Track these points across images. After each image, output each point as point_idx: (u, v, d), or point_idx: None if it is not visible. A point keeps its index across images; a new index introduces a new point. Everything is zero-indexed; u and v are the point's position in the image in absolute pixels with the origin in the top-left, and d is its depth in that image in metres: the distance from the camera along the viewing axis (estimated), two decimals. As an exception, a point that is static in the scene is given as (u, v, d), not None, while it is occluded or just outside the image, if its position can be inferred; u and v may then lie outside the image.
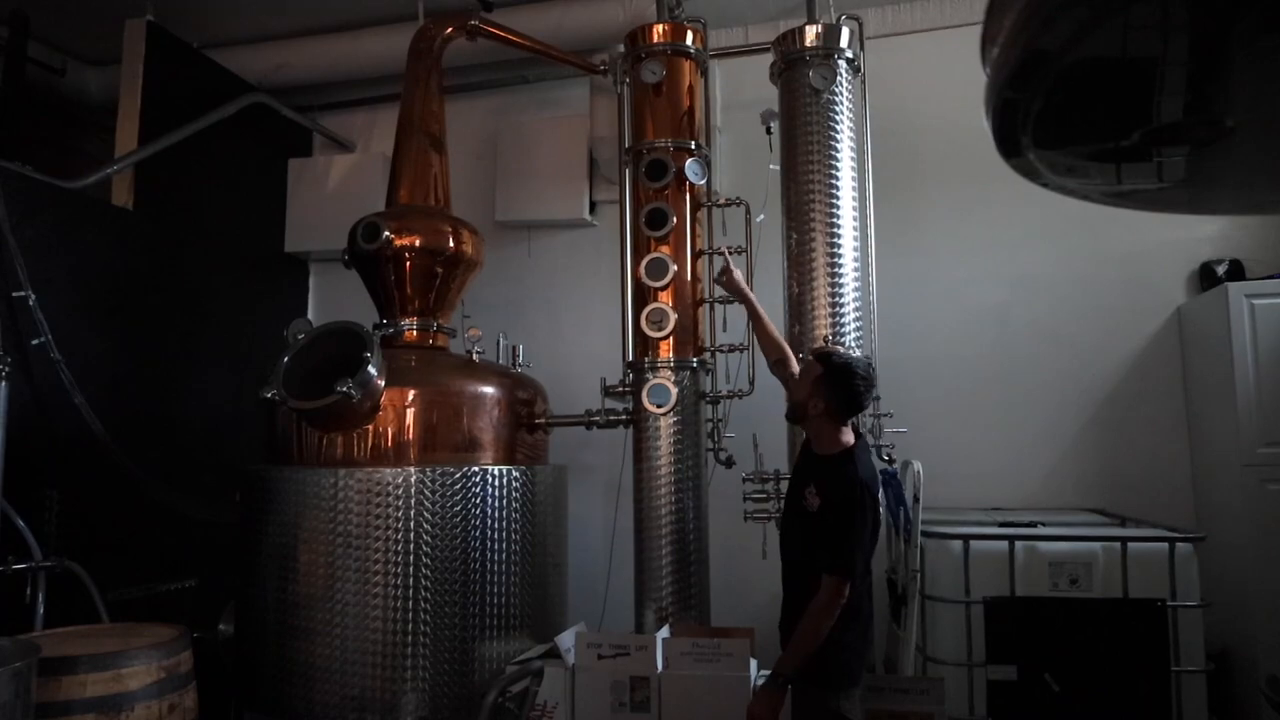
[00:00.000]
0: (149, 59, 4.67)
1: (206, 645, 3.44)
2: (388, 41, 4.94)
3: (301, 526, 3.39)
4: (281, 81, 5.30)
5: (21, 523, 3.50)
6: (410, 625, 3.29)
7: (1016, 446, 4.51)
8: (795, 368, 3.11)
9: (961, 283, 4.67)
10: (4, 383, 3.41)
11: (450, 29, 4.41)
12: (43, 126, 5.33)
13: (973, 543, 3.47)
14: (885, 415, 3.88)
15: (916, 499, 3.55)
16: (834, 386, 2.76)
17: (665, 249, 3.93)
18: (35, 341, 3.73)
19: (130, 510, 4.08)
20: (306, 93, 5.53)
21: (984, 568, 3.46)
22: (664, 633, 3.52)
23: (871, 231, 4.07)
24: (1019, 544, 3.46)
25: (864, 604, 2.76)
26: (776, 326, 3.66)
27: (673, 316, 3.87)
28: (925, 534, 3.54)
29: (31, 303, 3.71)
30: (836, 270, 3.79)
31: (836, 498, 2.68)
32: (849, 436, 2.80)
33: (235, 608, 3.63)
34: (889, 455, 3.81)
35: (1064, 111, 1.22)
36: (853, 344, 3.76)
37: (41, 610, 3.52)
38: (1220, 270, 4.31)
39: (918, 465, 3.60)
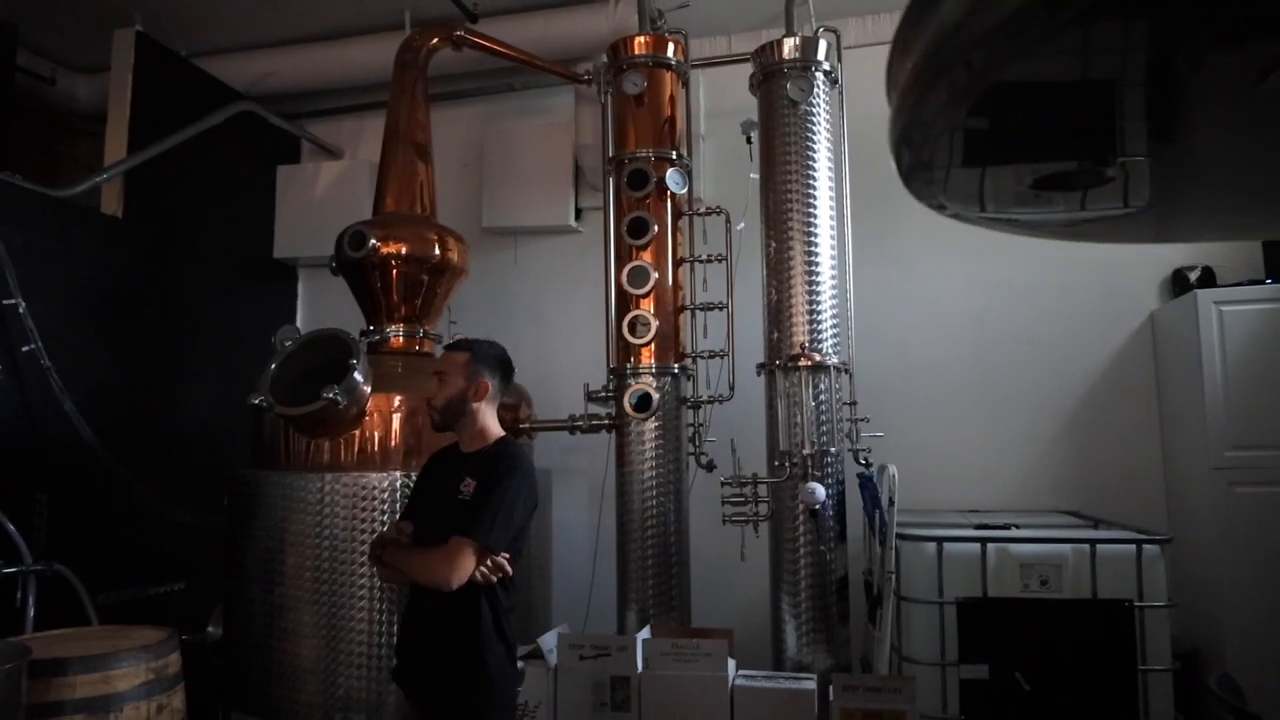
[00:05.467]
0: (138, 68, 4.71)
1: (195, 647, 3.49)
2: (375, 50, 5.00)
3: (288, 530, 3.44)
4: (269, 89, 5.35)
5: (12, 527, 3.54)
6: (394, 627, 3.34)
7: (994, 450, 4.60)
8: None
9: (939, 289, 4.76)
10: (-6, 389, 3.46)
11: (436, 39, 4.48)
12: (32, 134, 5.38)
13: (946, 545, 3.55)
14: (862, 420, 3.96)
15: (891, 502, 3.62)
16: (486, 360, 2.76)
17: (646, 257, 4.01)
18: (25, 349, 3.77)
19: (119, 515, 4.13)
20: (294, 100, 5.57)
21: (957, 569, 3.53)
22: (644, 634, 3.59)
23: (849, 239, 4.15)
24: (991, 546, 3.54)
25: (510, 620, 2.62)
26: (758, 328, 3.75)
27: (654, 323, 3.94)
28: (900, 536, 3.61)
29: (21, 310, 3.76)
30: (814, 277, 3.86)
31: (500, 471, 2.59)
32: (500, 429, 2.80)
33: (223, 610, 3.68)
34: (865, 459, 3.89)
35: (1011, 133, 1.26)
36: (830, 349, 3.84)
37: (31, 613, 3.57)
38: (1193, 277, 4.40)
39: (893, 469, 3.68)
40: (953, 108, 1.09)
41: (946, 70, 1.00)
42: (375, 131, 4.56)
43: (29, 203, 3.98)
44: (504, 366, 2.85)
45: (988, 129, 1.20)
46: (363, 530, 3.39)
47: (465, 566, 2.45)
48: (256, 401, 3.45)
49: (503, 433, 2.82)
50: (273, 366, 3.55)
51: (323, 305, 5.62)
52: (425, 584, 2.52)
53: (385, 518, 3.40)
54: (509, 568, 2.59)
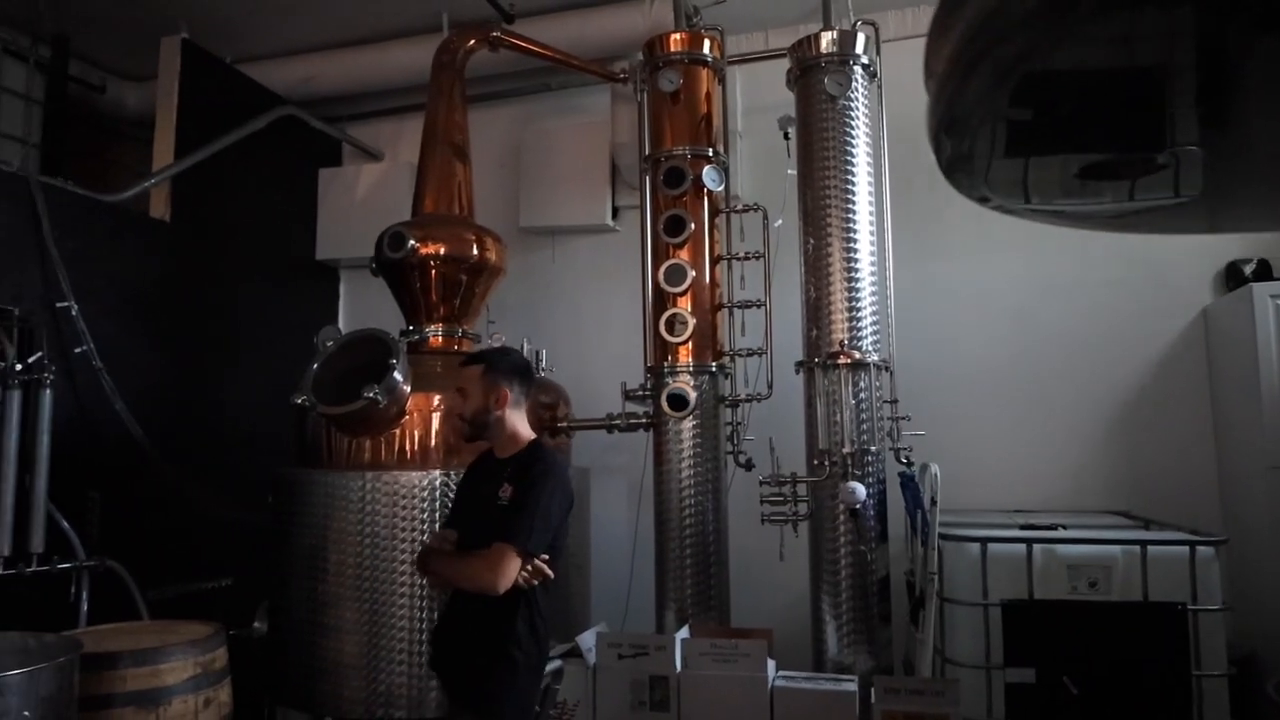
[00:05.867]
0: (184, 74, 4.82)
1: (241, 642, 3.55)
2: (413, 53, 5.05)
3: (330, 528, 3.49)
4: (311, 93, 5.44)
5: (66, 524, 3.64)
6: (435, 624, 3.37)
7: (1040, 449, 4.50)
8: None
9: (982, 285, 4.67)
10: (48, 390, 3.56)
11: (473, 41, 4.50)
12: (84, 142, 5.52)
13: (990, 545, 3.48)
14: (903, 418, 3.90)
15: (934, 501, 3.57)
16: (501, 369, 2.82)
17: (684, 255, 3.99)
18: (78, 350, 3.88)
19: (168, 511, 4.22)
20: (335, 104, 5.66)
21: (1002, 570, 3.46)
22: (683, 633, 3.58)
23: (889, 235, 4.09)
24: (1037, 547, 3.46)
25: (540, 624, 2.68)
26: (796, 326, 3.71)
27: (691, 321, 3.93)
28: (943, 536, 3.55)
29: (74, 313, 3.86)
30: (853, 274, 3.82)
31: (534, 475, 2.65)
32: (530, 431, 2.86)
33: (268, 606, 3.74)
34: (907, 458, 3.83)
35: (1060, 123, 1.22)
36: (869, 348, 3.79)
37: (85, 608, 3.67)
38: (1248, 270, 4.27)
39: (935, 468, 3.62)
40: (993, 96, 1.06)
41: (984, 57, 0.97)
42: (414, 133, 4.60)
43: (81, 208, 4.09)
44: (520, 371, 2.89)
45: (1031, 119, 1.17)
46: (403, 528, 3.42)
47: (509, 572, 2.52)
48: (299, 401, 3.50)
49: (534, 435, 2.85)
50: (315, 366, 3.60)
51: (364, 306, 5.69)
52: (472, 589, 2.60)
53: (425, 516, 3.43)
54: (549, 571, 2.64)
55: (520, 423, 2.83)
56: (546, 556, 2.63)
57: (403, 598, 3.38)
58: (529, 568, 2.57)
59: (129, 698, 2.75)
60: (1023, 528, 3.70)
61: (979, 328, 4.66)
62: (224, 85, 5.14)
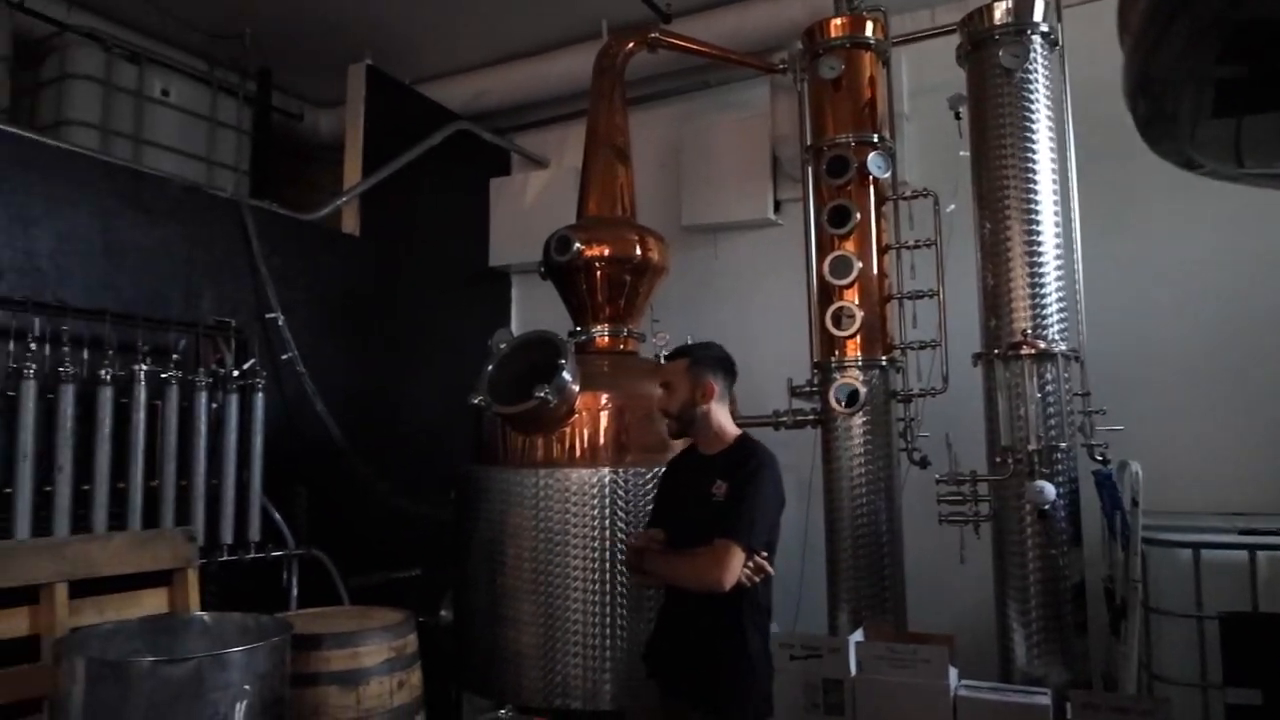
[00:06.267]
0: (369, 98, 5.17)
1: (428, 629, 3.77)
2: (574, 61, 5.19)
3: (507, 523, 3.64)
4: (481, 108, 5.71)
5: (278, 516, 4.01)
6: (608, 619, 3.44)
7: (1256, 445, 4.03)
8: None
9: (1185, 264, 4.24)
10: (260, 393, 3.92)
11: (631, 44, 4.56)
12: (285, 166, 6.05)
13: (1204, 551, 3.16)
14: (1097, 412, 3.60)
15: (1135, 503, 3.28)
16: (705, 362, 2.75)
17: (849, 246, 3.87)
18: (284, 356, 4.25)
19: (364, 505, 4.55)
20: (504, 116, 5.91)
21: (1219, 579, 3.14)
22: (857, 636, 3.47)
23: (1076, 215, 3.78)
24: (1262, 554, 3.11)
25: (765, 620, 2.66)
26: (973, 315, 3.52)
27: (858, 314, 3.80)
28: (1147, 541, 3.26)
29: (280, 323, 4.23)
30: (1036, 258, 3.56)
31: (750, 470, 2.61)
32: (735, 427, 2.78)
33: (453, 596, 3.95)
34: (1102, 455, 3.54)
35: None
36: (1056, 336, 3.53)
37: (295, 592, 4.02)
38: None
39: (1136, 466, 3.33)
40: (1196, 53, 0.95)
41: (1183, 10, 0.87)
42: (578, 139, 4.72)
43: (284, 227, 4.48)
44: (724, 365, 2.87)
45: (1245, 75, 1.04)
46: (574, 524, 3.51)
47: (734, 568, 2.49)
48: (476, 401, 3.67)
49: (739, 430, 2.82)
50: (489, 368, 3.76)
51: (534, 308, 5.90)
52: (696, 588, 2.57)
53: (595, 512, 3.51)
54: (770, 567, 2.62)
55: (725, 418, 2.82)
56: (765, 553, 2.61)
57: (576, 591, 3.47)
58: (750, 564, 2.54)
59: (333, 677, 2.98)
60: (1242, 532, 3.33)
61: (1182, 311, 4.23)
62: (404, 106, 5.48)
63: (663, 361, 2.92)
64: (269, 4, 5.11)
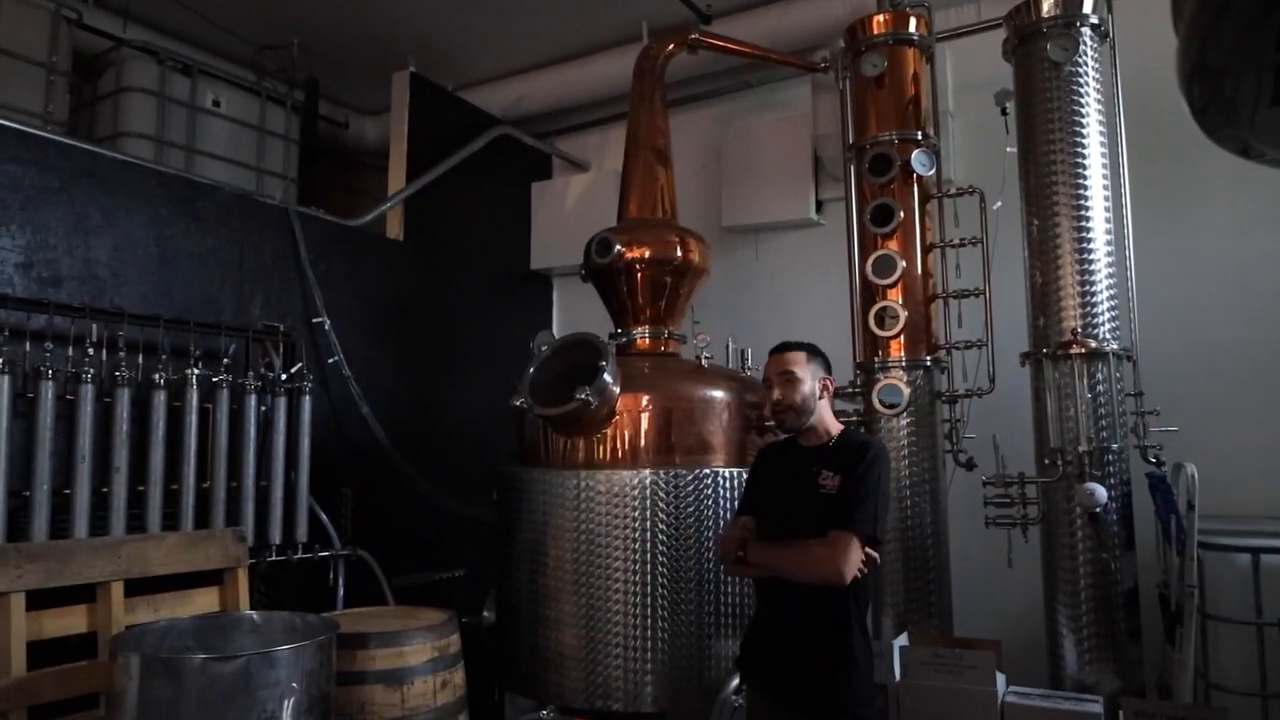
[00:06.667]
0: (412, 105, 5.25)
1: (471, 630, 3.80)
2: (614, 64, 5.21)
3: (549, 524, 3.65)
4: (522, 112, 5.76)
5: (325, 517, 4.08)
6: (649, 620, 3.44)
7: (1322, 447, 3.89)
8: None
9: (1242, 260, 4.10)
10: (308, 396, 4.00)
11: (672, 45, 4.56)
12: (331, 173, 6.16)
13: (1263, 556, 3.06)
14: (1151, 413, 3.52)
15: (1191, 506, 3.18)
16: (820, 357, 2.76)
17: (892, 245, 3.83)
18: (330, 360, 4.32)
19: (407, 506, 4.61)
20: (544, 120, 5.95)
21: (1279, 585, 3.03)
22: (901, 640, 3.43)
23: (1128, 211, 3.70)
24: (1326, 560, 3.00)
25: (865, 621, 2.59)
26: (1020, 314, 3.44)
27: (902, 314, 3.76)
28: (1203, 545, 3.16)
29: (327, 327, 4.31)
30: (1086, 255, 3.49)
31: (867, 461, 2.55)
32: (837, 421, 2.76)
33: (495, 596, 3.98)
34: (1156, 457, 3.45)
35: None
36: (1107, 335, 3.44)
37: (341, 592, 4.08)
38: None
39: (1191, 468, 3.23)
40: (1253, 39, 0.92)
41: (1236, -5, 0.85)
42: (617, 142, 4.74)
43: (330, 233, 4.56)
44: (828, 361, 2.87)
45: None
46: (616, 525, 3.51)
47: (853, 560, 2.40)
48: (518, 403, 3.70)
49: (841, 425, 2.78)
50: (531, 370, 3.79)
51: (575, 311, 5.93)
52: (813, 581, 2.48)
53: (636, 514, 3.50)
54: (878, 557, 2.57)
55: (830, 413, 2.77)
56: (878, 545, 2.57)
57: (617, 593, 3.48)
58: (863, 557, 2.47)
59: (378, 676, 3.02)
60: (1305, 537, 3.21)
61: (1239, 309, 4.09)
62: (446, 112, 5.55)
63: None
64: (316, 15, 5.22)
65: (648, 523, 3.49)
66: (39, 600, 2.89)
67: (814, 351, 2.79)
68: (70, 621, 2.98)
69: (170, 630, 2.79)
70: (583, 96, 5.66)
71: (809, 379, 2.70)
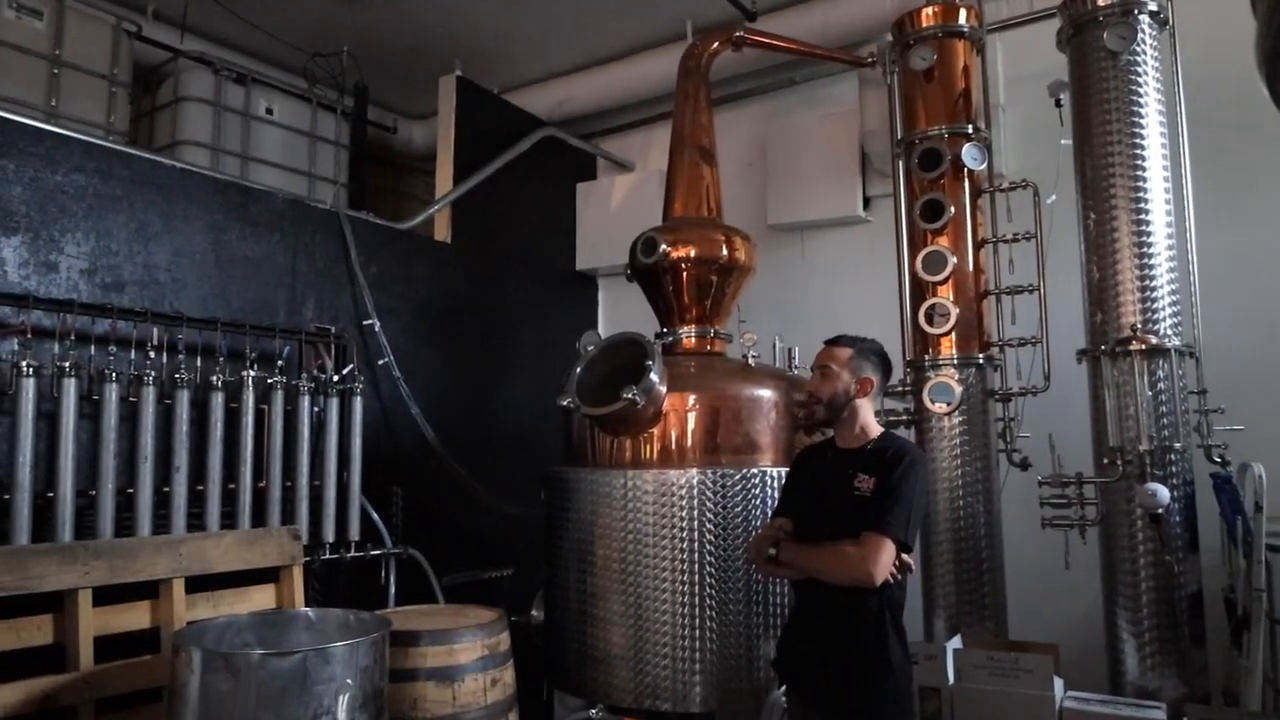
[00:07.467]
0: (459, 108, 5.30)
1: (520, 628, 3.83)
2: (659, 64, 5.21)
3: (597, 523, 3.66)
4: (567, 113, 5.79)
5: (376, 516, 4.14)
6: (697, 620, 3.43)
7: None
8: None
9: (1313, 253, 3.96)
10: (359, 398, 4.06)
11: (716, 43, 4.54)
12: (380, 177, 6.26)
13: (1337, 560, 2.94)
14: (1215, 411, 3.40)
15: (1259, 507, 3.08)
16: (868, 356, 2.68)
17: (943, 241, 3.76)
18: (381, 361, 4.39)
19: (457, 505, 4.66)
20: (589, 121, 5.98)
21: (1355, 590, 2.92)
22: (955, 643, 3.37)
23: (1189, 203, 3.58)
24: (1404, 563, 2.88)
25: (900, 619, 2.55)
26: (1076, 311, 3.36)
27: (953, 311, 3.69)
28: (1271, 548, 3.05)
29: (377, 329, 4.38)
30: (1145, 249, 3.39)
31: (904, 466, 2.51)
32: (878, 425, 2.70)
33: (544, 595, 4.00)
34: (1220, 456, 3.34)
35: None
36: (1168, 331, 3.34)
37: (393, 590, 4.15)
38: None
39: (1259, 468, 3.12)
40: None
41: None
42: (662, 142, 4.73)
43: (379, 236, 4.63)
44: (885, 363, 2.78)
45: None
46: (664, 525, 3.51)
47: (885, 562, 2.39)
48: (565, 403, 3.71)
49: (881, 428, 2.75)
50: (578, 370, 3.80)
51: (621, 311, 5.94)
52: (843, 582, 2.47)
53: (684, 514, 3.50)
54: (913, 564, 2.55)
55: (870, 415, 2.72)
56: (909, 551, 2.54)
57: (664, 593, 3.47)
58: (897, 561, 2.45)
59: (430, 673, 3.06)
60: (1381, 540, 3.08)
61: (1311, 302, 3.95)
62: (493, 114, 5.60)
63: (823, 346, 2.81)
64: (365, 22, 5.30)
65: (695, 522, 3.48)
66: (104, 596, 2.98)
67: (864, 350, 2.73)
68: (134, 617, 3.08)
69: (229, 626, 2.86)
70: (627, 96, 5.67)
71: (846, 375, 2.67)
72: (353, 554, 4.00)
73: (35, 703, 2.71)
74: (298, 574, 3.52)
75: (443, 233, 5.17)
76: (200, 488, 3.50)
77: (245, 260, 3.95)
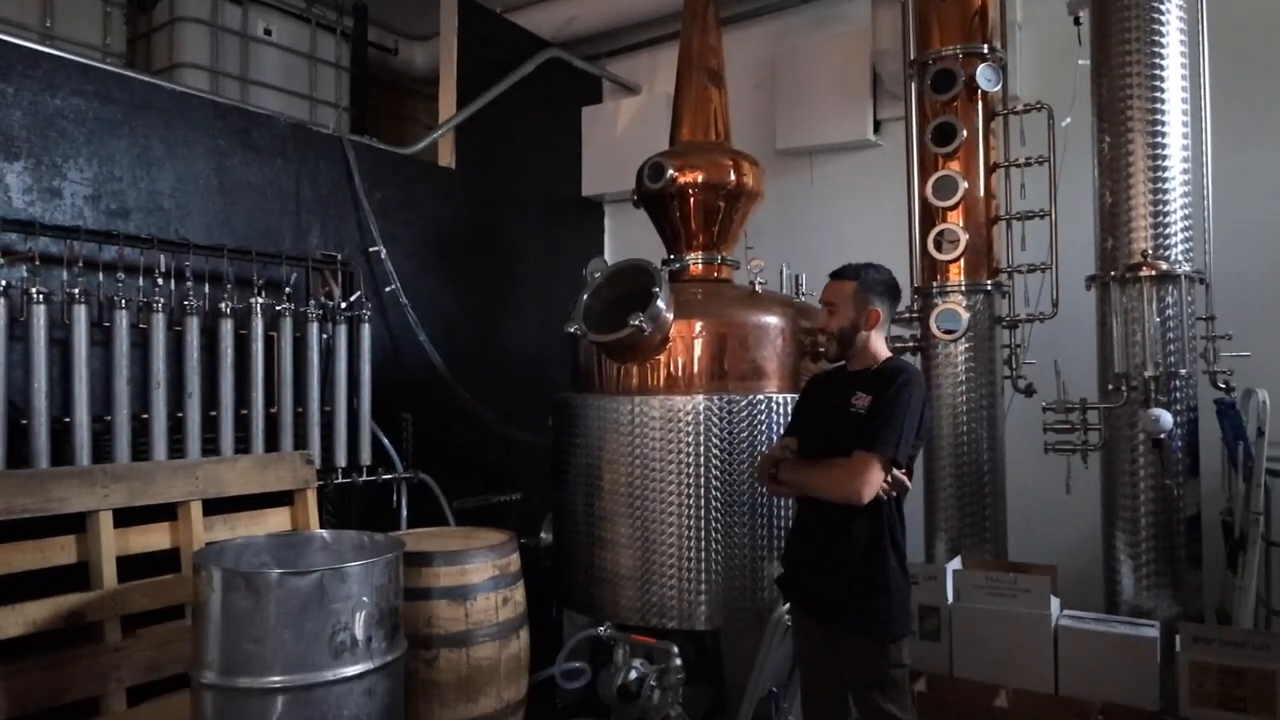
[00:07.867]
0: (461, 29, 5.15)
1: (529, 550, 3.92)
2: (666, -20, 5.05)
3: (604, 449, 3.71)
4: (572, 34, 5.64)
5: (386, 441, 4.20)
6: (703, 542, 3.50)
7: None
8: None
9: (1330, 177, 3.90)
10: (367, 325, 4.08)
11: (725, -41, 4.40)
12: (382, 101, 6.14)
13: (1336, 484, 2.98)
14: (1222, 337, 3.40)
15: (1261, 433, 3.11)
16: (874, 288, 2.65)
17: (954, 165, 3.71)
18: (388, 289, 4.38)
19: (465, 431, 4.72)
20: (594, 42, 5.83)
21: (1351, 514, 2.96)
22: (955, 564, 3.45)
23: (1207, 125, 3.51)
24: (1401, 488, 2.91)
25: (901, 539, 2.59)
26: (1087, 236, 3.33)
27: (963, 237, 3.67)
28: (1271, 472, 3.09)
29: (383, 256, 4.36)
30: (1160, 173, 3.34)
31: (897, 385, 2.53)
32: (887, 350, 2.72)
33: (552, 519, 4.08)
34: (1226, 383, 3.35)
35: None
36: (1180, 256, 3.32)
37: (404, 513, 4.23)
38: None
39: (1263, 394, 3.15)
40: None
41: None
42: (669, 64, 4.63)
43: (383, 162, 4.58)
44: (892, 291, 2.76)
45: None
46: (670, 450, 3.56)
47: (874, 480, 2.44)
48: (571, 330, 3.72)
49: (889, 353, 2.76)
50: (584, 297, 3.80)
51: (627, 237, 5.90)
52: (833, 499, 2.53)
53: (690, 439, 3.54)
54: (908, 482, 2.59)
55: (881, 343, 2.72)
56: (905, 469, 2.57)
57: (671, 516, 3.54)
58: (889, 478, 2.49)
59: (443, 592, 3.15)
60: (1380, 465, 3.12)
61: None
62: (496, 36, 5.46)
63: (829, 280, 2.79)
64: (362, -63, 5.13)
65: (701, 448, 3.53)
66: (124, 518, 3.05)
67: (869, 281, 2.71)
68: (155, 538, 3.16)
69: (248, 547, 2.93)
70: (634, 16, 5.51)
71: (852, 309, 2.67)
72: (365, 478, 4.08)
73: (63, 619, 2.80)
74: (311, 497, 3.59)
75: (446, 158, 5.10)
76: (213, 413, 3.54)
77: (249, 186, 3.91)
